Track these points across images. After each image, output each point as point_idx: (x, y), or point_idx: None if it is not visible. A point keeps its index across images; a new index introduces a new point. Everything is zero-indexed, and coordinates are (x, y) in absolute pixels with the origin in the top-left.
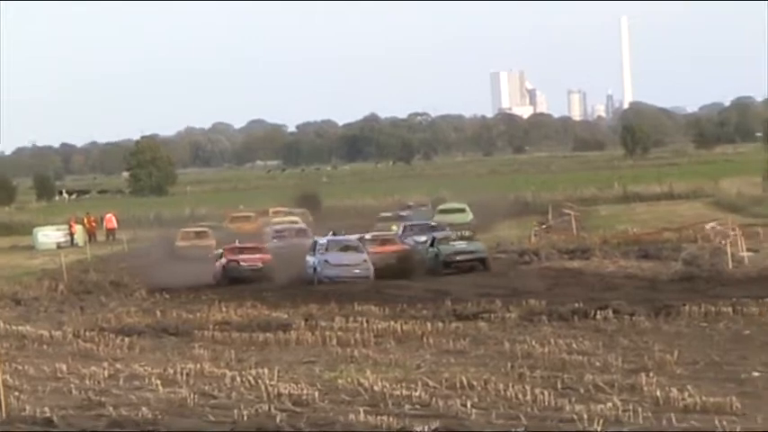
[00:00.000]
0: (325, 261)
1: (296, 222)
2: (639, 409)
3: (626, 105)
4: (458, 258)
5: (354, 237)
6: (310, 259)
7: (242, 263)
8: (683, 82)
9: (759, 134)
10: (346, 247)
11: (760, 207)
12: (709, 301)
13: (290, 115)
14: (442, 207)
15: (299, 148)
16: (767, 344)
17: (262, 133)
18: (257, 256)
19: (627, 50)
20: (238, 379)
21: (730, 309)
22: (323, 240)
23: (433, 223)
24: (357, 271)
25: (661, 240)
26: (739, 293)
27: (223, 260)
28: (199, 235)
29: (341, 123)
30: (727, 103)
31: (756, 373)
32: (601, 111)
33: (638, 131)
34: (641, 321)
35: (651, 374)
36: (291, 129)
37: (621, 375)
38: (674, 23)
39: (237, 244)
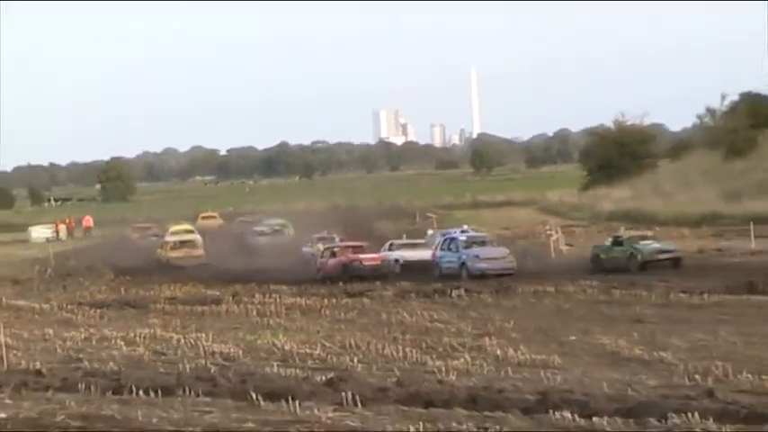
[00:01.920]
0: (476, 256)
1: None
2: (484, 364)
3: (475, 135)
4: (658, 257)
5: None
6: (443, 254)
7: (364, 262)
8: (519, 117)
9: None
10: (483, 242)
11: (576, 212)
12: (537, 283)
13: (222, 141)
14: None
15: (228, 167)
16: (581, 315)
17: (201, 155)
18: (375, 255)
19: (476, 94)
20: (182, 341)
21: (553, 288)
22: (462, 237)
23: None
24: (504, 264)
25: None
26: (559, 277)
27: (342, 258)
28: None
29: (260, 148)
30: (551, 134)
31: (573, 337)
32: (456, 140)
33: (483, 155)
34: (486, 298)
35: (493, 338)
36: (223, 152)
37: (471, 339)
38: (511, 72)
39: (346, 243)
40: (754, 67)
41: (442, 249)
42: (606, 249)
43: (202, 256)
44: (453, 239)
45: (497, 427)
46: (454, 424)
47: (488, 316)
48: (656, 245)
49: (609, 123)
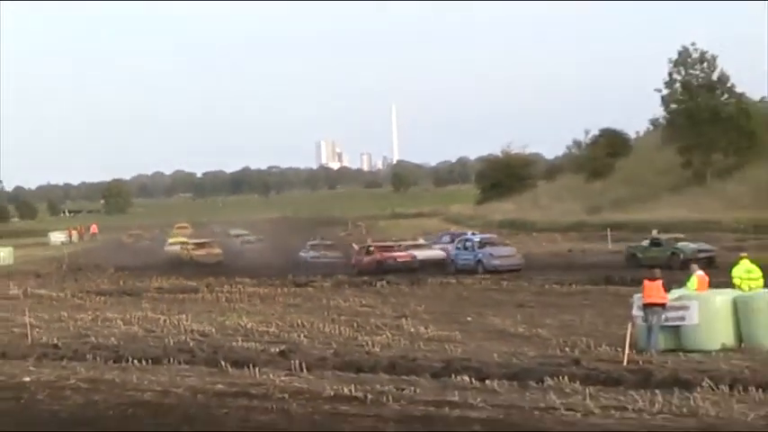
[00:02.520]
0: (490, 254)
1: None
2: (401, 339)
3: (395, 161)
4: (700, 256)
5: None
6: (459, 252)
7: (398, 259)
8: (429, 145)
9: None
10: (494, 243)
11: (472, 221)
12: (443, 276)
13: (199, 165)
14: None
15: (203, 186)
16: (476, 301)
17: (182, 177)
18: (405, 253)
19: (395, 126)
20: (168, 321)
21: (455, 280)
22: (477, 237)
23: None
24: (514, 261)
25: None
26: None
27: (377, 256)
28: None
29: (228, 171)
30: (453, 160)
31: (470, 318)
32: (380, 165)
33: (401, 177)
34: (403, 288)
35: (408, 319)
36: (199, 174)
37: (391, 319)
38: (423, 107)
39: (378, 244)
40: (612, 107)
41: (457, 248)
42: (643, 249)
43: (220, 255)
44: (469, 240)
45: (412, 388)
46: (378, 385)
47: (405, 302)
48: (694, 245)
49: (498, 152)
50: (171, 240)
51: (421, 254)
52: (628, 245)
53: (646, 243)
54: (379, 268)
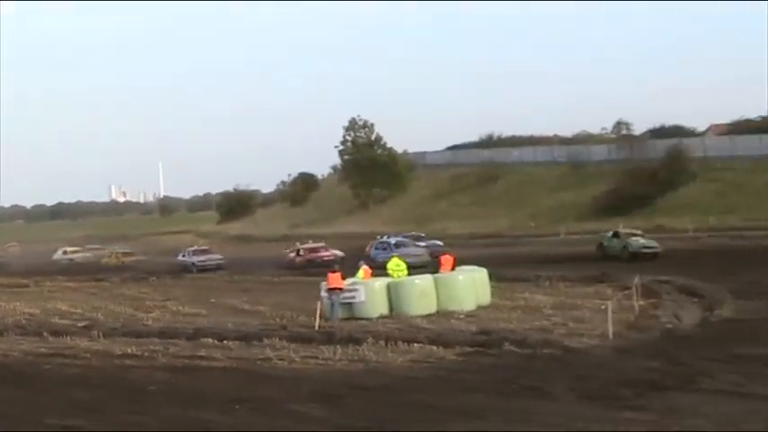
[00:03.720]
0: (405, 254)
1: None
2: (167, 315)
3: (162, 195)
4: (644, 251)
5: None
6: (378, 252)
7: (324, 258)
8: (183, 182)
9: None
10: (406, 245)
11: (215, 236)
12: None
13: (28, 199)
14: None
15: (31, 216)
16: (218, 288)
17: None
18: (329, 252)
19: (161, 173)
20: (6, 306)
21: (201, 275)
22: (393, 240)
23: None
24: (423, 259)
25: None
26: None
27: (307, 256)
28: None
29: (48, 204)
30: (202, 194)
31: (213, 300)
32: (151, 198)
33: (166, 207)
34: (168, 280)
35: (172, 301)
36: (29, 206)
37: (160, 302)
38: (181, 157)
39: (306, 246)
40: (306, 158)
41: (376, 249)
42: (608, 239)
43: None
44: (386, 242)
45: (174, 347)
46: (152, 346)
47: (169, 290)
48: (643, 241)
49: (231, 188)
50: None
51: (329, 253)
52: (600, 234)
53: (610, 234)
54: (310, 265)
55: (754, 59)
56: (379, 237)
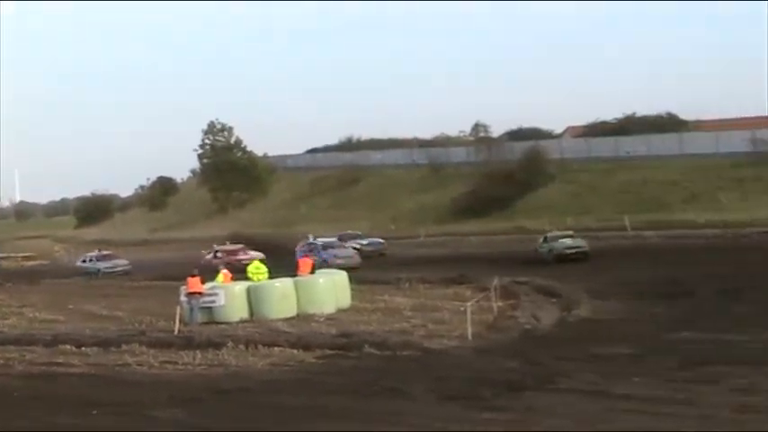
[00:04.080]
0: (334, 256)
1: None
2: (23, 321)
3: (18, 201)
4: (567, 252)
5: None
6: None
7: (242, 261)
8: (39, 188)
9: None
10: (334, 246)
11: (73, 240)
12: (55, 277)
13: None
14: None
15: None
16: (76, 293)
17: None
18: (248, 255)
19: (17, 179)
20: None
21: (59, 280)
22: (320, 242)
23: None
24: (353, 261)
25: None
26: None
27: (225, 258)
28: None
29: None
30: (58, 199)
31: (71, 306)
32: (8, 204)
33: (23, 212)
34: (24, 287)
35: (29, 307)
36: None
37: (16, 308)
38: (37, 165)
39: (227, 248)
40: (165, 161)
41: (302, 251)
42: (541, 243)
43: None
44: (313, 244)
45: (31, 354)
46: (7, 354)
47: (26, 296)
48: (569, 242)
49: (89, 193)
50: None
51: (247, 255)
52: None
53: (541, 239)
54: (228, 267)
55: (609, 62)
56: (306, 238)
